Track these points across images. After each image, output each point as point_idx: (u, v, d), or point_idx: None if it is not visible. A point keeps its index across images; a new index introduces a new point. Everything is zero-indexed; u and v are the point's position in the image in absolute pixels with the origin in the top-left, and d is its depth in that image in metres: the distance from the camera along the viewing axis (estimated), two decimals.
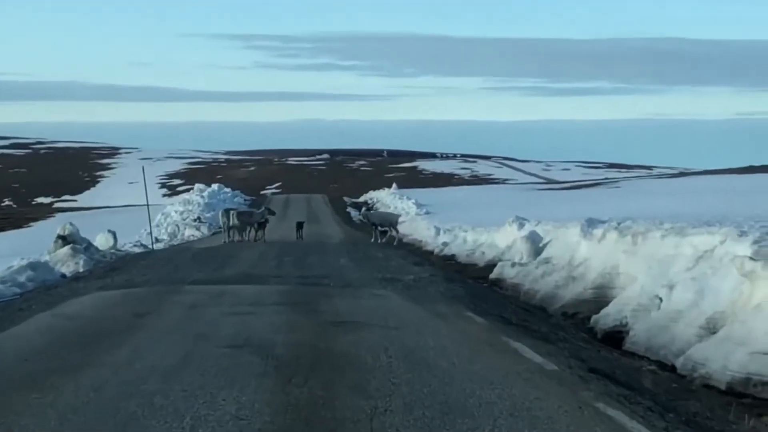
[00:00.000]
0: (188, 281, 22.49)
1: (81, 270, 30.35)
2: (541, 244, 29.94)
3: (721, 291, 15.78)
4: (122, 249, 43.33)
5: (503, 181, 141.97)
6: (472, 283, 25.51)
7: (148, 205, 49.17)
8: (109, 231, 43.32)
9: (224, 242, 40.97)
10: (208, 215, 66.74)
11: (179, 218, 66.23)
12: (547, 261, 27.35)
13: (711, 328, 15.32)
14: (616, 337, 18.37)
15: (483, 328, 15.17)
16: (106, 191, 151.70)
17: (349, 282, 22.13)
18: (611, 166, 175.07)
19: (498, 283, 28.60)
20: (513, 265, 29.22)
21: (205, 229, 60.32)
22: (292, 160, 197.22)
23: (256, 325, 14.67)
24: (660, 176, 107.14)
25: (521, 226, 35.68)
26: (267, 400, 9.73)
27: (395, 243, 41.04)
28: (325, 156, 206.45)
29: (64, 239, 34.98)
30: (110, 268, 27.95)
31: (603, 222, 26.22)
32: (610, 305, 19.76)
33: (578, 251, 24.46)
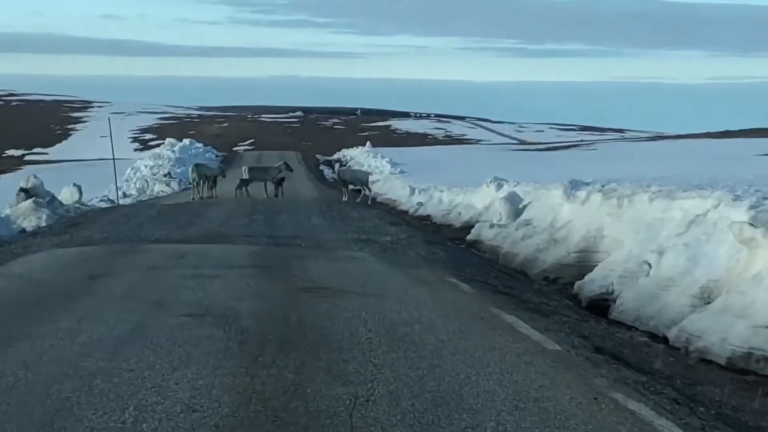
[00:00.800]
0: (150, 239, 20.86)
1: (43, 224, 28.80)
2: (520, 206, 29.31)
3: (715, 258, 14.63)
4: (88, 203, 41.76)
5: (477, 142, 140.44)
6: (452, 246, 24.02)
7: (114, 159, 47.56)
8: (75, 185, 41.74)
9: (192, 199, 39.32)
10: (178, 170, 65.25)
11: (149, 173, 64.90)
12: (527, 223, 26.66)
13: (705, 298, 14.15)
14: (601, 304, 17.01)
15: (470, 297, 13.67)
16: (78, 145, 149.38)
17: (323, 243, 20.59)
18: (584, 128, 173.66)
19: (475, 244, 27.82)
20: (491, 226, 28.60)
21: (175, 185, 58.84)
22: (265, 117, 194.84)
23: (220, 291, 13.06)
24: (636, 139, 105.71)
25: (499, 186, 35.10)
26: (227, 384, 8.15)
27: (369, 202, 39.50)
28: (299, 113, 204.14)
29: (26, 192, 33.39)
30: (71, 224, 26.30)
31: (586, 184, 25.51)
32: (595, 270, 18.39)
33: (560, 213, 23.31)
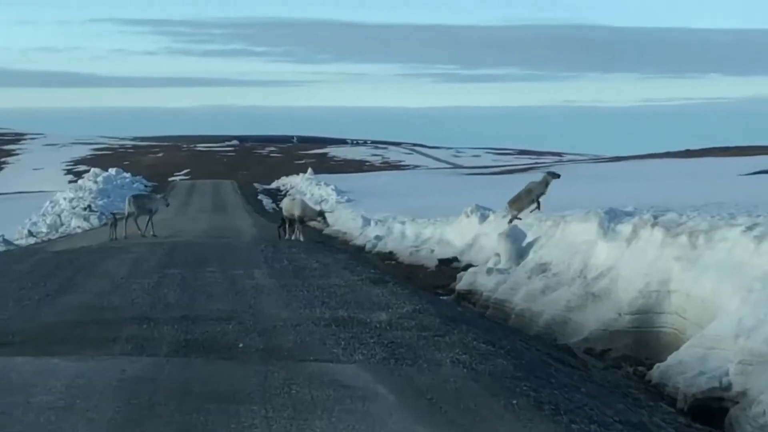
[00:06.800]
0: None
1: None
2: (524, 243, 20.94)
3: None
4: None
5: (414, 167, 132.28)
6: (496, 328, 14.36)
7: None
8: None
9: (113, 239, 29.10)
10: (100, 203, 55.42)
11: (68, 206, 54.97)
12: (543, 269, 18.48)
13: None
14: (712, 406, 10.61)
15: None
16: (10, 177, 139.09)
17: (277, 337, 10.64)
18: (521, 152, 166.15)
19: (468, 296, 20.08)
20: (489, 272, 20.35)
21: (95, 220, 48.77)
22: (201, 147, 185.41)
23: None
24: (595, 161, 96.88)
25: (484, 218, 26.80)
26: None
27: (302, 238, 28.71)
28: (234, 142, 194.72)
29: None
30: None
31: (629, 214, 17.42)
32: (683, 349, 11.97)
33: (594, 256, 16.62)
